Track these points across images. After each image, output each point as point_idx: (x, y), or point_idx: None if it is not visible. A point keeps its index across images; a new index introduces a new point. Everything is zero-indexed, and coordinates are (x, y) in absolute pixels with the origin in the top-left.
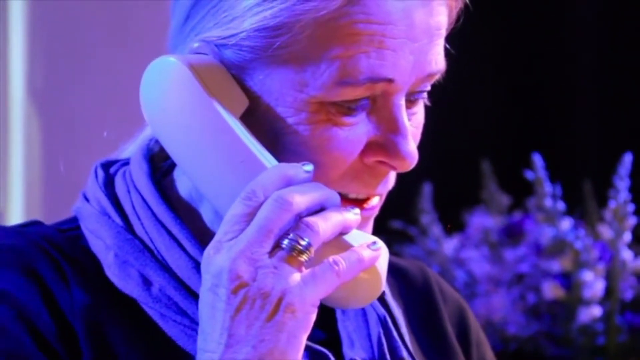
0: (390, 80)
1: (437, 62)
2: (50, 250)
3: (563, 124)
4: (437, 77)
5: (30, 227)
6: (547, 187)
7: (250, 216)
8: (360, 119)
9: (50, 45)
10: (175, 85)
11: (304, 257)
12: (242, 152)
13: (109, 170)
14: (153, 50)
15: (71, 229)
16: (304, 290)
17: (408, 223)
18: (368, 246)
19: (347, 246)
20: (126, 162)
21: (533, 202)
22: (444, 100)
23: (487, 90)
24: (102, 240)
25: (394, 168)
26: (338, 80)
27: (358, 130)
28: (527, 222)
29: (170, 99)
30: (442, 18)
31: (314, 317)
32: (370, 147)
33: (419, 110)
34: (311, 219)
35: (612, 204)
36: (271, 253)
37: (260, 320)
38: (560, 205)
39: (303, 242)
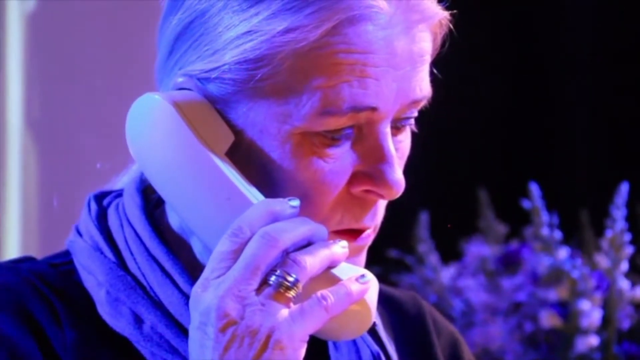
0: (374, 109)
1: (422, 88)
2: (43, 287)
3: (560, 153)
4: (422, 103)
5: (22, 264)
6: (544, 216)
7: (237, 253)
8: (345, 149)
9: (48, 76)
10: (160, 123)
11: (291, 294)
12: (228, 188)
13: (102, 202)
14: (152, 82)
15: (64, 263)
16: (292, 326)
17: (405, 252)
18: (357, 279)
19: (336, 280)
20: (119, 194)
21: (530, 231)
22: (441, 128)
23: (484, 118)
24: (94, 277)
25: (381, 196)
26: (321, 111)
27: (343, 161)
28: (524, 251)
29: (155, 136)
30: (425, 45)
31: (303, 352)
32: (356, 177)
33: (405, 139)
34: (298, 255)
35: (609, 233)
36: (259, 290)
37: (249, 358)
38: (557, 234)
39: (290, 279)
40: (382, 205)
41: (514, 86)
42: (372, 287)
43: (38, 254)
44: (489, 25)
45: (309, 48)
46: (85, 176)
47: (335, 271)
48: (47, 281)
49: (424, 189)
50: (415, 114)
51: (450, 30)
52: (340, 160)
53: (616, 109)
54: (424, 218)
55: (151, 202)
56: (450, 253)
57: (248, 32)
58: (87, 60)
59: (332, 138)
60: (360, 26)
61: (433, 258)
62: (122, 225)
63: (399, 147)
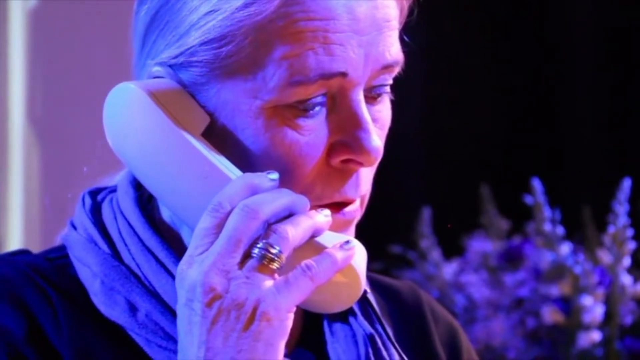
0: (343, 74)
1: (391, 53)
2: (38, 279)
3: (562, 149)
4: (395, 69)
5: (18, 256)
6: (547, 212)
7: (219, 228)
8: (319, 121)
9: (50, 73)
10: (135, 111)
11: (275, 265)
12: (206, 167)
13: (97, 197)
14: None
15: (59, 257)
16: (277, 297)
17: (407, 247)
18: (341, 246)
19: (321, 248)
20: (114, 189)
21: (532, 226)
22: (443, 124)
23: (486, 114)
24: (88, 268)
25: (360, 164)
26: (289, 80)
27: (318, 133)
28: (526, 246)
29: (131, 124)
30: (390, 10)
31: (290, 323)
32: (334, 148)
33: (384, 109)
34: (280, 226)
35: (611, 229)
36: (243, 263)
37: (236, 331)
38: (560, 230)
39: (273, 250)
40: (364, 176)
41: (517, 82)
42: (358, 253)
43: (40, 249)
44: (490, 21)
45: (269, 20)
46: (86, 174)
47: (319, 239)
48: (43, 274)
49: (426, 184)
50: (390, 81)
51: (451, 26)
52: (315, 132)
53: (619, 104)
54: (426, 214)
55: (144, 195)
56: (452, 249)
57: (209, 12)
58: (89, 57)
59: (305, 109)
60: None
61: (435, 254)
62: (115, 218)
63: (378, 118)
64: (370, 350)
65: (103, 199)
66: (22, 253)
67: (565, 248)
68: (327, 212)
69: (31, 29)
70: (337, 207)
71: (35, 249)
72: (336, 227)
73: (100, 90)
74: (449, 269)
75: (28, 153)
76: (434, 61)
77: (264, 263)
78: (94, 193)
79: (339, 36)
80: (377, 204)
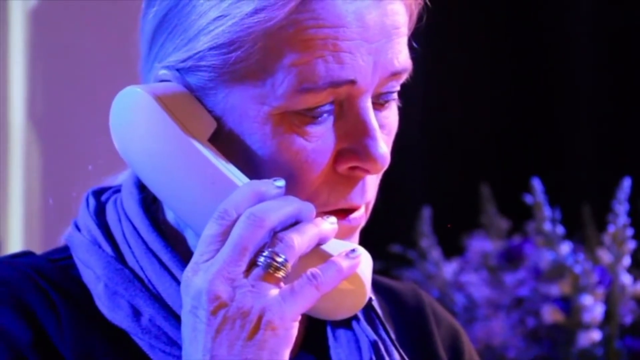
0: (352, 82)
1: (400, 60)
2: (40, 281)
3: (562, 148)
4: (403, 76)
5: (20, 259)
6: (547, 211)
7: (225, 235)
8: (327, 127)
9: (50, 73)
10: (142, 115)
11: (280, 274)
12: (213, 173)
13: (101, 197)
14: None
15: (62, 258)
16: (283, 306)
17: (407, 247)
18: (347, 255)
19: (326, 256)
20: (118, 190)
21: (532, 226)
22: (443, 124)
23: (486, 113)
24: (92, 270)
25: (367, 172)
26: (298, 88)
27: (326, 139)
28: (526, 246)
29: (138, 128)
30: (399, 17)
31: (295, 332)
32: (341, 155)
33: (391, 115)
34: (286, 234)
35: (611, 228)
36: (248, 271)
37: (241, 339)
38: (560, 230)
39: (279, 259)
40: (370, 183)
41: (516, 81)
42: (364, 261)
43: (40, 250)
44: (490, 21)
45: (279, 27)
46: (88, 173)
47: (325, 248)
48: (45, 275)
49: (426, 184)
50: (397, 88)
51: (451, 26)
52: (322, 139)
53: (619, 103)
54: (426, 213)
55: (148, 197)
56: (452, 248)
57: (218, 18)
58: (89, 57)
59: (312, 116)
60: (328, 1)
61: (435, 253)
62: (120, 220)
63: (385, 124)
64: (373, 357)
65: (107, 200)
66: (24, 255)
67: (565, 248)
68: (333, 219)
69: (31, 29)
70: (342, 213)
71: (36, 249)
72: (341, 234)
73: (100, 89)
74: (449, 269)
75: (28, 153)
76: (435, 61)
77: (270, 272)
78: (97, 193)
79: (349, 44)
80: (378, 204)
